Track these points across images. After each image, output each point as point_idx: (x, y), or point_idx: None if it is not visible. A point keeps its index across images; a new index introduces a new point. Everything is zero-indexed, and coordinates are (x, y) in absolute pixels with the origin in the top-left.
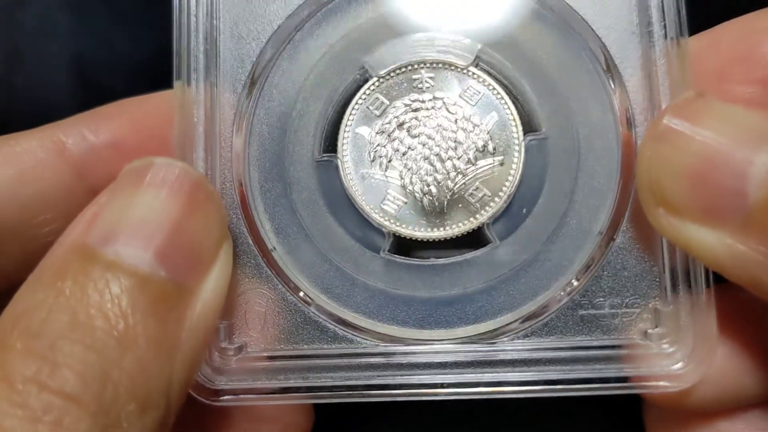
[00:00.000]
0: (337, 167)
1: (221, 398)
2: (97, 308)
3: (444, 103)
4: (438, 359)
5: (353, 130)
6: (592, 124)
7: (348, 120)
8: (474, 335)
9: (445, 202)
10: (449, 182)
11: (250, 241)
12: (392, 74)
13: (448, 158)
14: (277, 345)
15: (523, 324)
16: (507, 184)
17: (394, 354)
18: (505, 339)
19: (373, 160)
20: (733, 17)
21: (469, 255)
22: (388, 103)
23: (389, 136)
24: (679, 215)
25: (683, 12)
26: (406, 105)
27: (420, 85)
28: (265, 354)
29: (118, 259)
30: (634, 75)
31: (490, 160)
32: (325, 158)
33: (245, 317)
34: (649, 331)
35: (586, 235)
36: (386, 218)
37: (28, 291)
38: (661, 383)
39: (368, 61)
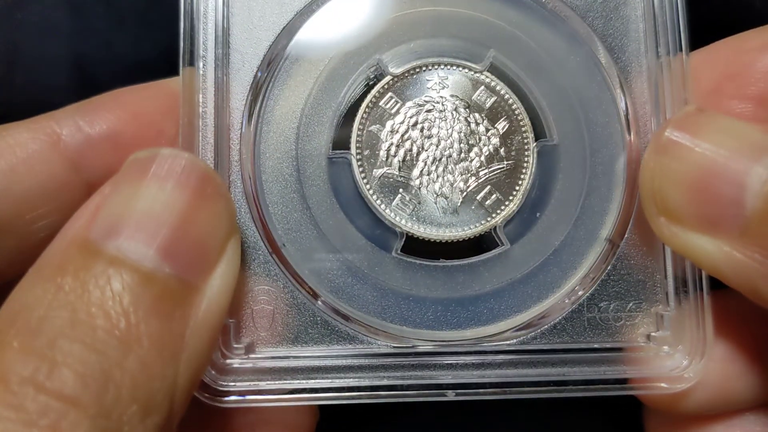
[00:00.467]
0: (349, 165)
1: (226, 399)
2: (98, 306)
3: (457, 105)
4: (447, 360)
5: (367, 128)
6: (600, 133)
7: (361, 117)
8: (483, 337)
9: (458, 204)
10: (462, 184)
11: (259, 238)
12: (407, 74)
13: (461, 160)
14: (284, 345)
15: (531, 326)
16: (518, 188)
17: (403, 355)
18: (514, 341)
19: (386, 159)
20: (737, 26)
21: (481, 257)
22: (401, 102)
23: (402, 135)
24: (680, 224)
25: (685, 30)
26: (419, 105)
27: (434, 86)
28: (273, 354)
29: (120, 254)
30: (640, 86)
31: (502, 164)
32: (338, 155)
33: (253, 316)
34: (652, 334)
35: (593, 240)
36: (399, 218)
37: (26, 286)
38: (662, 385)
39: (383, 59)
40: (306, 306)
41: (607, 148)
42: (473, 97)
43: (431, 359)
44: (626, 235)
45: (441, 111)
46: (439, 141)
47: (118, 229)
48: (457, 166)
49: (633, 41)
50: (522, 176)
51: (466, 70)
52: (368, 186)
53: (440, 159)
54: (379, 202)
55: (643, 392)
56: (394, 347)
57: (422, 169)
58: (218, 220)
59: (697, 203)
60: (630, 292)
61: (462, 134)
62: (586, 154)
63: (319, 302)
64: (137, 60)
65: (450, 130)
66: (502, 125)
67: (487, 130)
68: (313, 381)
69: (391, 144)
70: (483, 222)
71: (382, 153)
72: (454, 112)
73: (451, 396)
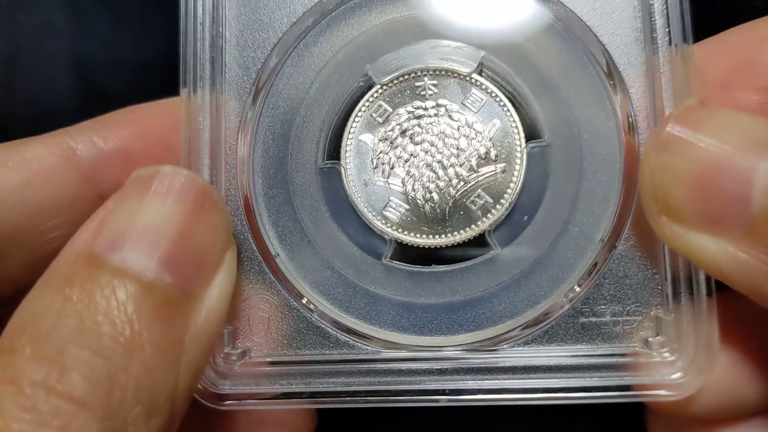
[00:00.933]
0: (340, 174)
1: (225, 402)
2: (104, 314)
3: (447, 110)
4: (439, 366)
5: (356, 137)
6: (595, 131)
7: (351, 127)
8: (475, 342)
9: (447, 209)
10: (451, 189)
11: (254, 248)
12: (395, 81)
13: (450, 165)
14: (280, 350)
15: (523, 331)
16: (509, 191)
17: (395, 360)
18: (506, 346)
19: (375, 167)
20: (736, 24)
21: (471, 262)
22: (391, 110)
23: (392, 143)
24: (682, 223)
25: (687, 19)
26: (409, 112)
27: (423, 93)
28: (268, 359)
29: (124, 265)
30: (638, 82)
31: (492, 168)
32: (329, 165)
33: (249, 322)
34: (651, 339)
35: (588, 243)
36: (388, 225)
37: (36, 296)
38: (662, 392)
39: (372, 68)
40: (299, 313)
41: (602, 147)
42: (463, 102)
43: (423, 365)
44: (623, 236)
45: (430, 117)
46: (428, 147)
47: (122, 242)
48: (447, 172)
49: (629, 35)
50: (512, 179)
51: (456, 75)
52: (358, 194)
53: (429, 164)
54: (368, 209)
55: (642, 399)
56: (386, 353)
57: (412, 175)
58: (216, 233)
59: (700, 201)
60: (628, 296)
61: (451, 139)
62: (579, 153)
63: (312, 309)
64: (137, 61)
65: (440, 136)
66: (492, 128)
67: (477, 133)
68: (307, 385)
69: (381, 152)
70: (473, 226)
71: (372, 161)
72: (443, 118)
73: (443, 402)
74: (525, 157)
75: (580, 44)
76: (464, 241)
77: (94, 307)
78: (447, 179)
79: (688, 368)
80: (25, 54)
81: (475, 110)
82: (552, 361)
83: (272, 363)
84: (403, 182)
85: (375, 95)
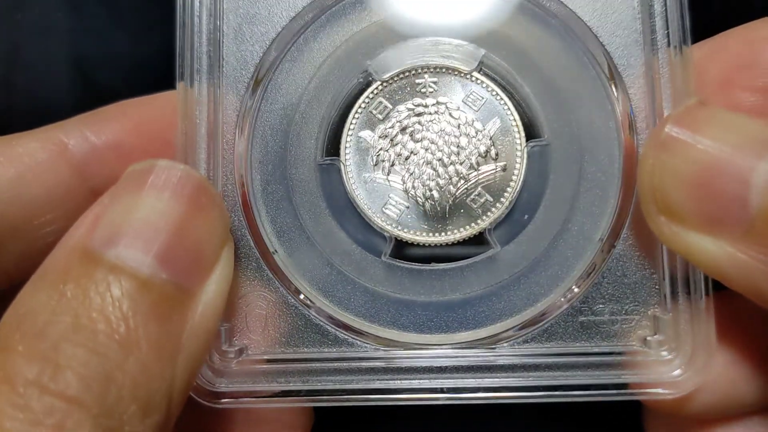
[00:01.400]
0: (339, 170)
1: (221, 401)
2: (99, 311)
3: (447, 108)
4: (438, 364)
5: (356, 134)
6: (595, 131)
7: (351, 123)
8: (474, 340)
9: (447, 207)
10: (451, 187)
11: (252, 244)
12: (396, 78)
13: (451, 163)
14: (277, 348)
15: (523, 330)
16: (509, 189)
17: (394, 358)
18: (505, 344)
19: (375, 164)
20: (736, 25)
21: (470, 260)
22: (391, 107)
23: (392, 140)
24: (681, 223)
25: (687, 20)
26: (409, 109)
27: (423, 90)
28: (266, 357)
29: (119, 261)
30: (637, 82)
31: (492, 166)
32: (328, 161)
33: (246, 320)
34: (649, 338)
35: (587, 242)
36: (388, 222)
37: (30, 292)
38: (660, 390)
39: (372, 65)
40: (298, 310)
41: (602, 147)
42: (463, 100)
43: (421, 363)
44: (622, 236)
45: (431, 114)
46: (428, 144)
47: (117, 238)
48: (447, 169)
49: (629, 35)
50: (513, 178)
51: (456, 73)
52: (357, 191)
53: (430, 162)
54: (368, 207)
55: (639, 398)
56: (385, 351)
57: (411, 173)
58: (213, 228)
59: (698, 201)
60: (626, 295)
61: (452, 137)
62: (579, 153)
63: (311, 307)
64: (136, 58)
65: (440, 133)
66: (492, 127)
67: (478, 132)
68: (305, 383)
69: (381, 149)
70: (473, 225)
71: (372, 158)
72: (443, 115)
73: (442, 400)
74: (525, 155)
75: (580, 44)
76: (464, 240)
77: (89, 304)
78: (447, 177)
79: (686, 367)
80: (25, 51)
81: (475, 108)
82: (551, 360)
83: (270, 361)
84: (403, 180)
85: (375, 92)
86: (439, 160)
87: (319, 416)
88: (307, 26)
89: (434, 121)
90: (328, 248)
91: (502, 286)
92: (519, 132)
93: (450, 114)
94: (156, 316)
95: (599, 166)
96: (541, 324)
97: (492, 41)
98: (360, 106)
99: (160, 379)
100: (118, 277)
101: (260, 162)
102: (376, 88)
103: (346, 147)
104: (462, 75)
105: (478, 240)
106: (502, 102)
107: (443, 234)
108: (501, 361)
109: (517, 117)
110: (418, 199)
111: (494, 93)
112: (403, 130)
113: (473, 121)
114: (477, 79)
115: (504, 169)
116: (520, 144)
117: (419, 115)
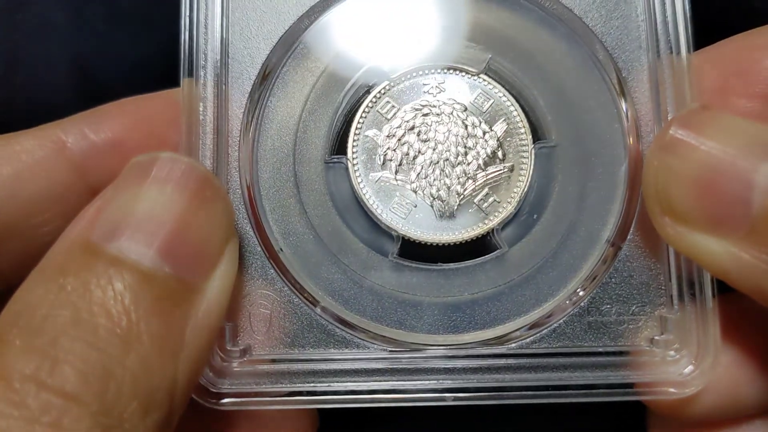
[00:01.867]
0: (346, 169)
1: (224, 401)
2: (100, 305)
3: (454, 108)
4: (445, 365)
5: (363, 133)
6: (600, 134)
7: (358, 122)
8: (481, 341)
9: (455, 207)
10: (459, 187)
11: (257, 242)
12: (403, 78)
13: (458, 163)
14: (282, 348)
15: (530, 330)
16: (516, 190)
17: (400, 359)
18: (513, 345)
19: (383, 164)
20: (736, 25)
21: (478, 260)
22: (398, 106)
23: (399, 139)
24: (685, 224)
25: (689, 27)
26: (416, 109)
27: (431, 90)
28: (270, 357)
29: (121, 254)
30: (641, 86)
31: (499, 167)
32: (335, 160)
33: (250, 319)
34: (656, 338)
35: (594, 243)
36: (395, 222)
37: (29, 287)
38: (666, 390)
39: (380, 63)
40: (303, 310)
41: (607, 149)
42: (471, 100)
43: (429, 363)
44: (628, 237)
45: (438, 114)
46: (436, 145)
47: (119, 231)
48: (455, 170)
49: (633, 40)
50: (520, 178)
51: (463, 74)
52: (365, 190)
53: (437, 162)
54: (375, 206)
55: (646, 397)
56: (391, 351)
57: (419, 173)
58: (217, 222)
59: (702, 202)
60: (633, 295)
61: (459, 137)
62: (585, 155)
63: (316, 307)
64: (137, 60)
65: (447, 134)
66: (500, 128)
67: (485, 132)
68: (309, 384)
69: (388, 148)
70: (480, 225)
71: (379, 157)
72: (451, 116)
73: (449, 400)
74: (533, 157)
75: (585, 49)
76: (472, 240)
77: (90, 297)
78: (455, 177)
79: (693, 366)
80: (25, 51)
81: (482, 109)
82: (558, 360)
83: (274, 361)
84: (410, 179)
85: (383, 91)
86: (447, 160)
87: (324, 418)
88: (315, 24)
89: (441, 122)
90: (335, 247)
91: (509, 286)
92: (526, 133)
93: (457, 115)
94: (158, 310)
95: (605, 167)
96: (548, 324)
97: (499, 44)
98: (367, 105)
99: (162, 376)
100: (120, 270)
101: (266, 159)
102: (384, 87)
103: (353, 146)
104: (470, 76)
105: (486, 240)
106: (509, 104)
107: (451, 234)
108: (508, 362)
109: (524, 118)
110: (426, 198)
111: (501, 95)
112: (410, 129)
113: (480, 122)
114: (484, 80)
115: (511, 170)
116: (528, 145)
117: (426, 115)
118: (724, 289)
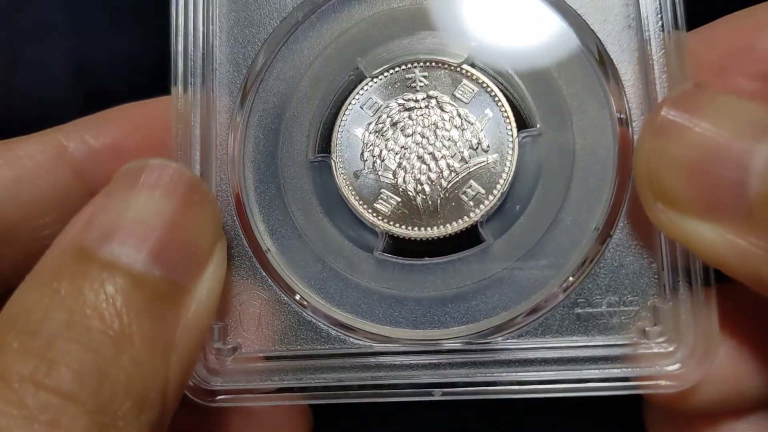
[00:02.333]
0: (330, 167)
1: (216, 399)
2: (93, 308)
3: (437, 101)
4: (432, 359)
5: (347, 131)
6: (588, 120)
7: (341, 120)
8: (469, 335)
9: (439, 201)
10: (443, 181)
11: (245, 243)
12: (386, 74)
13: (442, 157)
14: (271, 346)
15: (517, 323)
16: (501, 181)
17: (388, 354)
18: (500, 339)
19: (366, 160)
20: (734, 11)
21: (463, 254)
22: (381, 102)
23: (383, 135)
24: (679, 210)
25: (680, 6)
26: (399, 104)
27: (413, 85)
28: (260, 355)
29: (113, 259)
30: (630, 69)
31: (483, 158)
32: (319, 159)
33: (240, 318)
34: (648, 329)
35: (582, 232)
36: (379, 218)
37: (26, 290)
38: (661, 383)
39: (362, 61)
40: (291, 308)
41: (595, 136)
42: (454, 93)
43: (416, 359)
44: (618, 224)
45: (421, 109)
46: (419, 139)
47: (111, 236)
48: (438, 163)
49: (621, 21)
50: (504, 169)
51: (446, 66)
52: (349, 188)
53: (421, 156)
54: (359, 203)
55: (639, 391)
56: (379, 347)
57: (403, 168)
58: (205, 225)
59: (696, 187)
60: (624, 285)
61: (443, 130)
62: (572, 142)
63: (304, 304)
64: (136, 60)
65: (431, 127)
66: (484, 118)
67: (469, 124)
68: (299, 381)
69: (372, 144)
70: (465, 218)
71: (363, 154)
72: (434, 109)
73: (437, 395)
74: (517, 146)
75: (571, 32)
76: (456, 233)
77: (83, 301)
78: (438, 171)
79: (688, 359)
80: (24, 52)
81: (466, 101)
82: (547, 354)
83: (264, 358)
84: (394, 174)
85: (365, 88)
86: (430, 153)
87: (317, 416)
88: (297, 26)
89: (425, 116)
90: (321, 245)
91: (495, 279)
92: (510, 122)
93: (440, 107)
94: (149, 312)
95: (593, 154)
96: (536, 317)
97: (481, 33)
98: (351, 103)
99: (154, 376)
100: (112, 274)
101: (252, 162)
102: (367, 84)
103: (337, 144)
104: (452, 68)
105: (471, 233)
106: (493, 93)
107: (435, 228)
108: (496, 356)
109: (507, 107)
110: (410, 193)
111: (484, 85)
112: (394, 125)
113: (464, 114)
114: (467, 71)
115: (495, 161)
116: (512, 134)
117: (410, 109)
118: (720, 278)
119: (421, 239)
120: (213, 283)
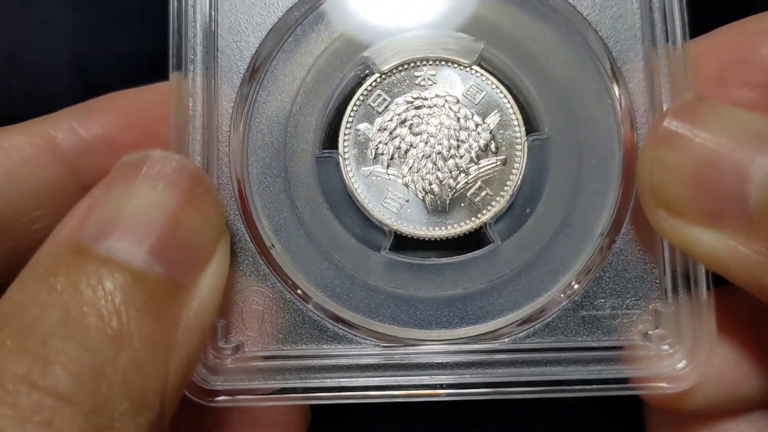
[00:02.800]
0: (337, 164)
1: (217, 399)
2: (90, 305)
3: (446, 101)
4: (438, 360)
5: (354, 127)
6: (594, 125)
7: (349, 116)
8: (474, 336)
9: (447, 201)
10: (451, 181)
11: (248, 239)
12: (395, 71)
13: (450, 157)
14: (274, 345)
15: (524, 325)
16: (509, 183)
17: (393, 354)
18: (506, 339)
19: (374, 158)
20: (736, 19)
21: (471, 255)
22: (389, 99)
23: (391, 133)
24: (681, 217)
25: (685, 15)
26: (408, 102)
27: (422, 83)
28: (263, 354)
29: (111, 254)
30: (636, 77)
31: (492, 160)
32: (326, 154)
33: (242, 316)
34: (650, 332)
35: (588, 236)
36: (387, 216)
37: (20, 287)
38: (661, 384)
39: (370, 56)
40: (295, 306)
41: (602, 141)
42: (463, 93)
43: (422, 359)
44: (623, 230)
45: (430, 107)
46: (428, 138)
47: (110, 230)
48: (447, 163)
49: (628, 29)
50: (513, 171)
51: (455, 66)
52: (356, 185)
53: (429, 156)
54: (367, 200)
55: (641, 392)
56: (384, 347)
57: (411, 167)
58: (208, 221)
59: (698, 196)
60: (627, 289)
61: (451, 130)
62: (579, 147)
63: (309, 303)
64: (137, 59)
65: (439, 127)
66: (492, 120)
67: (477, 125)
68: (302, 381)
69: (380, 142)
70: (473, 219)
71: (370, 151)
72: (443, 108)
73: (442, 396)
74: (526, 149)
75: (579, 38)
76: (464, 234)
77: (80, 297)
78: (447, 171)
79: (687, 361)
80: (25, 51)
81: (475, 102)
82: (552, 355)
83: (266, 358)
84: (402, 173)
85: (373, 84)
86: (439, 153)
87: (316, 414)
88: (305, 16)
89: (433, 115)
90: (326, 243)
91: (502, 280)
92: (519, 126)
93: (449, 107)
94: (149, 310)
95: (599, 160)
96: (542, 319)
97: (492, 35)
98: (358, 99)
99: (154, 376)
100: (111, 270)
101: (256, 155)
102: (375, 80)
103: (344, 140)
104: (462, 68)
105: (479, 234)
106: (502, 95)
107: (443, 228)
108: (502, 357)
109: (517, 111)
110: (418, 193)
111: (494, 86)
112: (402, 123)
113: (473, 114)
114: (477, 72)
115: (504, 163)
116: (521, 138)
117: (418, 108)
118: (719, 282)
119: (429, 239)
120: (215, 280)
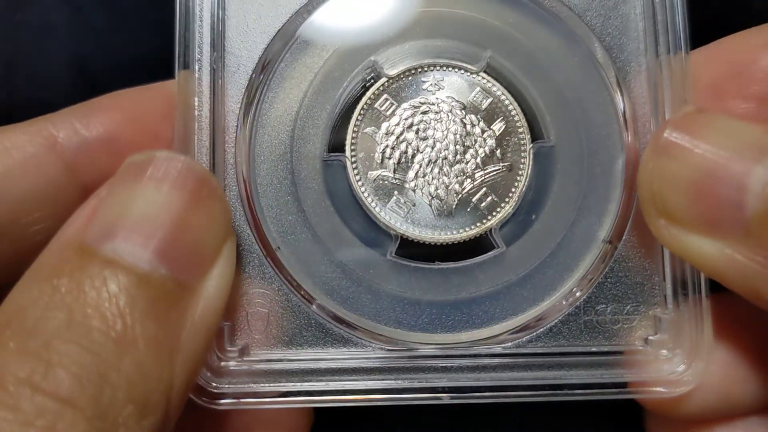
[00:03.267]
0: (344, 167)
1: (221, 401)
2: (94, 307)
3: (453, 107)
4: (442, 363)
5: (361, 131)
6: (598, 133)
7: (356, 120)
8: (478, 340)
9: (453, 206)
10: (457, 186)
11: (254, 240)
12: (402, 75)
13: (457, 162)
14: (279, 347)
15: (527, 329)
16: (514, 189)
17: (398, 358)
18: (509, 344)
19: (381, 162)
20: (734, 26)
21: (476, 260)
22: (396, 104)
23: (398, 137)
24: (680, 225)
25: (687, 27)
26: (415, 107)
27: (430, 88)
28: (268, 357)
29: (116, 256)
30: (640, 86)
31: (498, 166)
32: (333, 158)
33: (248, 318)
34: (650, 337)
35: (591, 243)
36: (393, 220)
37: (23, 288)
38: (660, 389)
39: (378, 61)
40: (301, 309)
41: (605, 149)
42: (469, 99)
43: (426, 362)
44: (624, 237)
45: (437, 113)
46: (434, 143)
47: (115, 232)
48: (453, 168)
49: (632, 40)
50: (518, 178)
51: (462, 72)
52: (363, 188)
53: (435, 161)
54: (373, 204)
55: (641, 396)
56: (389, 350)
57: (417, 171)
58: (214, 222)
59: (697, 205)
60: (628, 295)
61: (458, 136)
62: (583, 155)
63: (314, 305)
64: (137, 60)
65: (446, 132)
66: (498, 126)
67: (483, 131)
68: (307, 384)
69: (386, 146)
70: (478, 224)
71: (377, 155)
72: (449, 114)
73: (446, 399)
74: (531, 156)
75: (585, 49)
76: (470, 239)
77: (84, 299)
78: (453, 176)
79: (686, 365)
80: (25, 52)
81: (481, 108)
82: (554, 359)
83: (272, 360)
84: (408, 178)
85: (381, 88)
86: (445, 158)
87: (319, 416)
88: (313, 18)
89: (440, 120)
90: (333, 246)
91: (507, 285)
92: (525, 132)
93: (456, 113)
94: (154, 313)
95: (603, 167)
96: (545, 324)
97: (498, 42)
98: (366, 102)
99: (158, 380)
100: (115, 272)
101: (263, 157)
102: (382, 84)
103: (351, 143)
104: (469, 74)
105: (484, 239)
106: (508, 102)
107: (449, 233)
108: (505, 361)
109: (522, 118)
110: (424, 197)
111: (500, 93)
112: (408, 127)
113: (479, 120)
114: (483, 78)
115: (510, 169)
116: (526, 144)
117: (425, 113)
118: (716, 288)
119: (434, 243)
120: (221, 282)
